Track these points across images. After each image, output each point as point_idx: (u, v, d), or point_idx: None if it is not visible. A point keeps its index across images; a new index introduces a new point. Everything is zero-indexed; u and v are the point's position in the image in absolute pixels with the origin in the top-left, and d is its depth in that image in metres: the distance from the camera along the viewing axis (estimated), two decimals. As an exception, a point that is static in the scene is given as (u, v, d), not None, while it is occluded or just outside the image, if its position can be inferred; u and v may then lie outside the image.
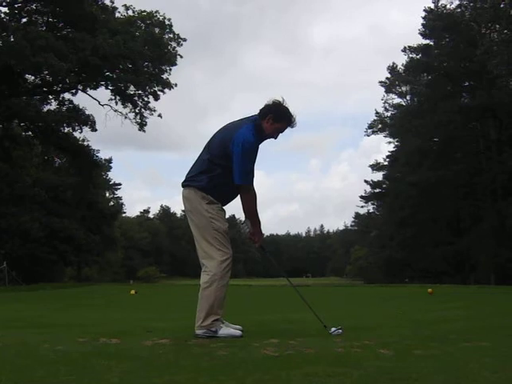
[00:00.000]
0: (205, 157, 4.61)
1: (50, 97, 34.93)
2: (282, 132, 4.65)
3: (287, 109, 4.61)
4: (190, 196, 4.58)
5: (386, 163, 60.74)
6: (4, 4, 30.58)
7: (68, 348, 3.86)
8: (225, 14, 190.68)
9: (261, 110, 4.59)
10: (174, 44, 34.08)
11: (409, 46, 47.82)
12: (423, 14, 44.81)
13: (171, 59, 33.94)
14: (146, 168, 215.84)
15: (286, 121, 4.60)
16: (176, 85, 34.90)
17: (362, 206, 67.75)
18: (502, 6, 33.57)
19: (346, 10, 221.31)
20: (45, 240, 40.46)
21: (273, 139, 4.69)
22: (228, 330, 4.42)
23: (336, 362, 3.28)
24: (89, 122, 34.62)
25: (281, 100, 4.60)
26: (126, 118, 34.70)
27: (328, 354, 3.54)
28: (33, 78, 33.54)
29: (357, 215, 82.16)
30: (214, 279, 4.41)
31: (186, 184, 4.63)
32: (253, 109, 4.72)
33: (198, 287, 4.54)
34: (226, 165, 4.47)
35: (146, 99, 34.63)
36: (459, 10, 42.57)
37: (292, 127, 4.67)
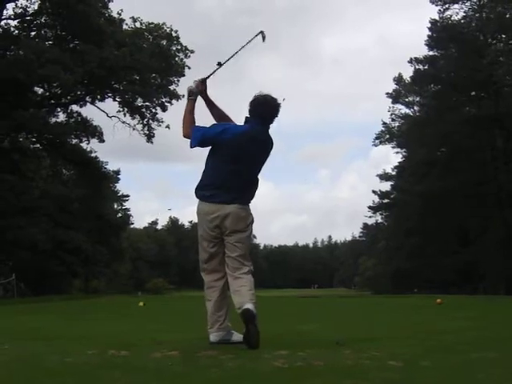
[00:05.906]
0: None
1: (58, 109, 35.08)
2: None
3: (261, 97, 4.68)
4: None
5: (394, 173, 60.63)
6: (13, 17, 30.91)
7: (76, 360, 3.87)
8: (236, 26, 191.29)
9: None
10: (181, 56, 34.17)
11: (415, 58, 47.75)
12: (429, 25, 44.86)
13: (179, 70, 34.02)
14: (155, 179, 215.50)
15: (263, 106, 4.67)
16: (184, 96, 34.96)
17: (371, 217, 67.40)
18: (507, 16, 33.66)
19: (355, 22, 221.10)
20: (52, 252, 40.45)
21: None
22: (239, 335, 4.52)
23: (344, 373, 3.27)
24: (96, 133, 34.69)
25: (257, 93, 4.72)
26: (133, 129, 34.79)
27: (337, 366, 3.53)
28: (41, 90, 33.74)
29: (365, 226, 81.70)
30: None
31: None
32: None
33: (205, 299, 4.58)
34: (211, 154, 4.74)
35: (153, 110, 34.71)
36: (464, 20, 42.62)
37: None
